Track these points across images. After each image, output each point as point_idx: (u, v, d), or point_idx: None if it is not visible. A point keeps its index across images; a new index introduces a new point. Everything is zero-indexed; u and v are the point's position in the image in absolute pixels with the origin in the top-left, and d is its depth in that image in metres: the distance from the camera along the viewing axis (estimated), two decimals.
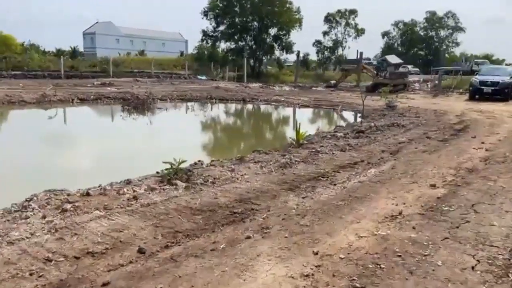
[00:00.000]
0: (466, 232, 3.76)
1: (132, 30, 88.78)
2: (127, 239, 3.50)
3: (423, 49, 71.36)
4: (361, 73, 33.33)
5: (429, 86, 31.30)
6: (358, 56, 34.39)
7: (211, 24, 48.42)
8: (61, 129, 14.13)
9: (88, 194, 4.65)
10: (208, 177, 5.63)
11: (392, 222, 4.01)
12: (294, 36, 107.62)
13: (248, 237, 3.63)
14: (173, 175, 5.80)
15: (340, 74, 36.64)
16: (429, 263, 3.14)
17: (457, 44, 69.56)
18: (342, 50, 57.74)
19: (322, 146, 8.58)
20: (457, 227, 3.87)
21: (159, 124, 15.55)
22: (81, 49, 72.66)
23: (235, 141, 11.93)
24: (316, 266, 3.07)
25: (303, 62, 60.44)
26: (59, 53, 57.43)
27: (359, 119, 16.86)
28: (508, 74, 21.77)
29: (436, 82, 29.34)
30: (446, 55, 66.16)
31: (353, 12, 56.74)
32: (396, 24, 72.62)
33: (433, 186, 5.37)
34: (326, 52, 58.46)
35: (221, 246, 3.44)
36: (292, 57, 53.30)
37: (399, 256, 3.26)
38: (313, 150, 8.07)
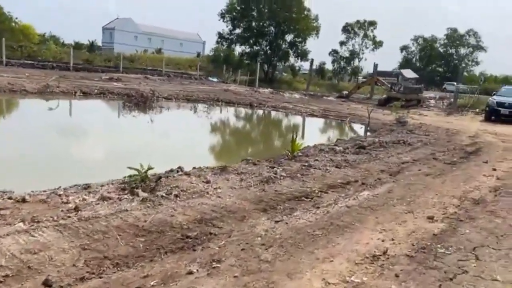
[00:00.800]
0: None
1: (151, 28, 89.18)
2: (39, 264, 2.86)
3: (442, 66, 69.95)
4: (375, 86, 32.49)
5: (444, 103, 30.28)
6: (373, 69, 33.55)
7: (227, 26, 48.02)
8: (52, 122, 13.63)
9: (24, 200, 4.02)
10: (174, 189, 4.97)
11: (372, 265, 3.28)
12: (311, 44, 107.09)
13: (190, 273, 2.96)
14: (140, 182, 5.17)
15: (353, 85, 35.82)
16: None
17: (477, 63, 68.00)
18: (359, 62, 56.85)
19: (316, 160, 7.87)
20: (452, 279, 3.12)
21: (156, 124, 14.97)
22: (99, 43, 73.19)
23: (228, 147, 11.29)
24: None
25: (319, 71, 59.72)
26: (77, 46, 57.83)
27: (367, 133, 16.10)
28: None
29: (451, 100, 28.32)
30: (465, 73, 64.62)
31: (372, 23, 55.82)
32: (415, 39, 71.38)
33: (430, 218, 4.62)
34: (342, 62, 57.62)
35: (151, 283, 2.76)
36: (307, 65, 52.51)
37: None
38: (306, 164, 7.37)
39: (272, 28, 47.94)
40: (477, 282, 3.08)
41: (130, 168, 5.19)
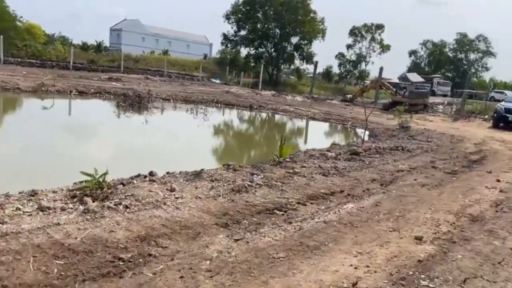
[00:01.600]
0: None
1: (158, 30, 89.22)
2: None
3: (451, 71, 68.90)
4: (381, 90, 31.73)
5: (453, 109, 29.42)
6: (379, 72, 32.79)
7: (232, 28, 47.67)
8: (35, 121, 13.14)
9: None
10: (128, 198, 4.39)
11: None
12: (317, 47, 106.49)
13: None
14: (96, 189, 4.61)
15: (358, 89, 35.11)
16: None
17: (487, 69, 66.91)
18: (365, 65, 56.13)
19: (303, 166, 7.26)
20: None
21: (146, 125, 14.48)
22: (107, 44, 73.24)
23: (216, 150, 10.72)
24: None
25: (326, 74, 59.13)
26: (84, 46, 57.84)
27: (366, 138, 15.44)
28: None
29: (459, 105, 27.53)
30: (475, 79, 63.46)
31: (379, 27, 55.15)
32: (424, 44, 70.57)
33: (419, 239, 3.98)
34: (348, 66, 56.95)
35: None
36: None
37: None
38: (291, 171, 6.76)
39: (278, 30, 47.49)
40: None
41: (83, 173, 4.63)
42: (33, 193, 4.50)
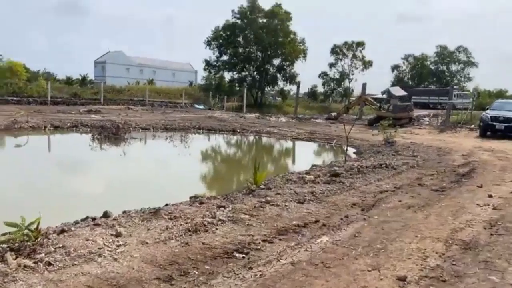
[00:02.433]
0: None
1: (143, 60, 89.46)
2: None
3: (434, 83, 69.58)
4: (365, 105, 31.51)
5: (439, 121, 29.20)
6: (362, 88, 32.67)
7: (214, 54, 47.60)
8: None
9: None
10: (58, 250, 3.69)
11: None
12: (300, 67, 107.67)
13: None
14: (25, 241, 3.91)
15: (342, 106, 34.88)
16: None
17: (469, 79, 67.73)
18: (349, 82, 56.28)
19: (278, 193, 6.62)
20: None
21: (120, 157, 13.79)
22: (92, 77, 72.96)
23: (190, 180, 10.03)
24: None
25: (311, 94, 59.18)
26: (69, 80, 57.37)
27: (352, 156, 14.90)
28: None
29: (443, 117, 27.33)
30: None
31: (360, 44, 55.57)
32: (406, 58, 71.51)
33: (402, 280, 3.33)
34: (332, 84, 57.10)
35: None
36: (300, 89, 51.79)
37: None
38: (263, 200, 6.12)
39: (259, 53, 47.53)
40: None
41: (7, 224, 3.93)
42: None
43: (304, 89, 59.01)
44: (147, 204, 6.23)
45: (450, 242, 4.35)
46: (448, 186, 7.55)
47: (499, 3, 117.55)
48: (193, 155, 14.52)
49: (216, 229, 4.58)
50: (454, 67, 69.07)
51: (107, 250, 3.75)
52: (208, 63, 48.37)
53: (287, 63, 47.94)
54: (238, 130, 22.80)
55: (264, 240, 4.28)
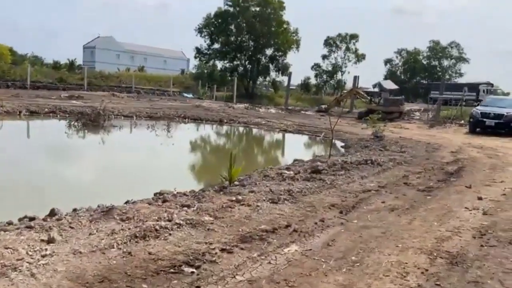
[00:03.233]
0: None
1: (133, 46, 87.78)
2: None
3: (426, 78, 69.36)
4: (356, 98, 31.03)
5: (429, 115, 28.82)
6: (353, 81, 32.16)
7: (205, 41, 46.68)
8: None
9: None
10: None
11: None
12: (293, 58, 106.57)
13: None
14: None
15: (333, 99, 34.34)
16: None
17: (461, 74, 67.61)
18: (342, 75, 55.67)
19: (252, 191, 6.04)
20: None
21: (94, 147, 13.13)
22: (80, 62, 71.49)
23: (160, 174, 9.39)
24: None
25: (304, 86, 58.54)
26: (56, 65, 56.03)
27: (340, 150, 14.39)
28: None
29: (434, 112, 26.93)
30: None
31: (354, 36, 54.85)
32: (399, 52, 71.04)
33: None
34: (324, 76, 56.44)
35: None
36: (293, 81, 51.12)
37: None
38: (234, 199, 5.55)
39: (251, 42, 46.75)
40: None
41: None
42: None
43: (297, 80, 58.30)
44: (110, 200, 5.64)
45: (435, 254, 3.81)
46: (435, 186, 7.04)
47: None
48: (172, 146, 13.85)
49: (170, 234, 3.99)
50: (446, 62, 68.90)
51: (27, 262, 3.14)
52: (199, 51, 47.50)
53: (280, 53, 47.28)
54: (225, 121, 22.16)
55: (222, 250, 3.70)
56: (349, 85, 51.39)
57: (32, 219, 4.42)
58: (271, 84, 51.90)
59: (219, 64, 48.60)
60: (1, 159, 9.61)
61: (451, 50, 67.75)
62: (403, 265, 3.53)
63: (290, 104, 38.79)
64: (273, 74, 49.43)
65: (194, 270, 3.26)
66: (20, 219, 4.41)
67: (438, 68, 68.63)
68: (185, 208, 5.12)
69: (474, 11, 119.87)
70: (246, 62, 47.45)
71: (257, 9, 44.82)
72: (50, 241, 3.64)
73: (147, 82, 45.50)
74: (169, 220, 4.34)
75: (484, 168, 9.35)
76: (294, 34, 46.83)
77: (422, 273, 3.37)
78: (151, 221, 4.30)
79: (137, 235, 3.84)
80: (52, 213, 4.93)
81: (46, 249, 3.43)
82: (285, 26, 45.74)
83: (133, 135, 17.06)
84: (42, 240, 3.64)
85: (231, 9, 44.95)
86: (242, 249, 3.78)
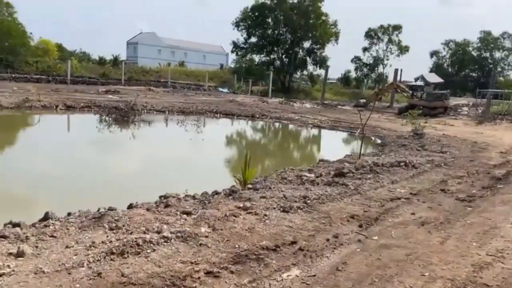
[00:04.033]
0: None
1: (174, 41, 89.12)
2: None
3: (476, 71, 65.39)
4: (396, 92, 29.51)
5: (478, 111, 26.84)
6: (394, 74, 30.59)
7: (242, 35, 46.25)
8: None
9: None
10: None
11: None
12: (332, 51, 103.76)
13: None
14: None
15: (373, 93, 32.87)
16: None
17: None
18: (383, 68, 53.54)
19: (263, 197, 5.46)
20: None
21: (120, 143, 13.01)
22: (124, 58, 73.64)
23: (178, 173, 8.96)
24: None
25: (344, 79, 56.95)
26: (101, 61, 57.97)
27: (376, 149, 13.46)
28: None
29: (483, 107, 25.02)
30: (501, 78, 59.82)
31: (397, 28, 52.51)
32: (446, 44, 67.27)
33: None
34: (365, 69, 54.52)
35: None
36: (333, 75, 49.85)
37: None
38: (241, 206, 5.01)
39: (289, 35, 45.81)
40: None
41: None
42: None
43: (337, 74, 56.77)
44: (121, 200, 5.44)
45: None
46: (478, 194, 6.14)
47: None
48: (198, 142, 13.47)
49: (154, 250, 3.49)
50: (497, 54, 64.50)
51: None
52: (236, 45, 47.17)
53: (318, 46, 46.03)
54: (257, 116, 21.65)
55: (208, 273, 3.15)
56: (390, 78, 49.38)
57: (16, 225, 4.08)
58: (308, 78, 50.80)
59: (256, 58, 48.14)
60: (15, 153, 9.59)
61: (503, 41, 63.33)
62: None
63: (328, 99, 37.68)
64: (310, 67, 48.35)
65: None
66: (5, 224, 4.08)
67: (489, 60, 64.38)
68: (185, 216, 4.63)
69: None
70: (283, 56, 46.57)
71: (295, 1, 43.78)
72: (19, 255, 3.26)
73: (186, 77, 45.97)
74: (158, 232, 3.85)
75: None
76: (333, 26, 45.39)
77: None
78: (137, 233, 3.83)
79: (114, 251, 3.37)
80: (46, 217, 4.61)
81: (8, 266, 3.03)
82: (323, 18, 44.37)
83: (162, 130, 16.89)
84: (10, 254, 3.26)
85: (268, 1, 44.16)
86: (231, 272, 3.21)
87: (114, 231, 3.98)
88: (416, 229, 4.48)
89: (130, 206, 5.30)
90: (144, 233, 3.84)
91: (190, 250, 3.59)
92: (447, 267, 3.47)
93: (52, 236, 3.78)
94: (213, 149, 13.24)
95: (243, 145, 15.19)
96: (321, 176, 6.76)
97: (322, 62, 46.13)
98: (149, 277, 3.04)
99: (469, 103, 33.41)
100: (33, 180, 7.45)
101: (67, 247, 3.51)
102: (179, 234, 3.84)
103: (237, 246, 3.75)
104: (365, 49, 53.61)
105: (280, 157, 13.12)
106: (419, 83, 33.08)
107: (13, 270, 2.97)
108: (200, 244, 3.72)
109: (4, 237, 3.62)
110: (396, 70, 29.33)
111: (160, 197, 5.70)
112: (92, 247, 3.50)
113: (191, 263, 3.31)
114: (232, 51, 48.09)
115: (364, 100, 30.05)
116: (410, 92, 25.95)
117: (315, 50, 46.25)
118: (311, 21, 43.83)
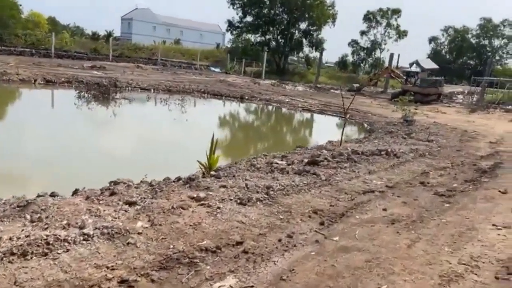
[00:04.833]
0: None
1: (170, 19, 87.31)
2: None
3: (473, 58, 64.54)
4: (391, 78, 28.84)
5: (473, 99, 26.29)
6: (389, 59, 29.86)
7: (237, 14, 44.98)
8: None
9: None
10: None
11: None
12: (329, 33, 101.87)
13: None
14: None
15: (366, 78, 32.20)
16: None
17: None
18: (380, 52, 52.54)
19: (224, 186, 4.94)
20: None
21: (94, 121, 12.38)
22: (118, 34, 72.14)
23: (148, 156, 8.40)
24: None
25: (342, 63, 55.96)
26: (94, 36, 56.53)
27: (360, 135, 12.97)
28: None
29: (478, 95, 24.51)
30: (499, 66, 59.08)
31: (396, 12, 51.33)
32: (445, 30, 66.09)
33: None
34: (362, 53, 53.54)
35: None
36: (330, 58, 48.84)
37: None
38: (195, 196, 4.48)
39: (285, 15, 44.58)
40: None
41: None
42: None
43: (334, 57, 55.73)
44: (69, 186, 4.89)
45: None
46: (459, 188, 5.65)
47: None
48: (179, 123, 12.87)
49: (67, 251, 2.97)
50: (497, 42, 63.56)
51: None
52: (231, 24, 45.91)
53: (314, 27, 44.88)
54: (247, 97, 21.01)
55: (122, 282, 2.64)
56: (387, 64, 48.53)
57: None
58: (304, 60, 49.87)
59: (252, 38, 47.02)
60: None
61: (503, 29, 62.30)
62: None
63: (323, 82, 36.98)
64: (306, 49, 47.29)
65: None
66: None
67: (488, 48, 63.50)
68: (126, 207, 4.11)
69: None
70: (278, 37, 45.46)
71: None
72: None
73: (181, 55, 44.95)
74: (80, 228, 3.32)
75: None
76: (330, 8, 44.21)
77: None
78: (54, 228, 3.29)
79: (15, 251, 2.84)
80: None
81: None
82: None
83: (143, 109, 16.22)
84: None
85: None
86: (152, 281, 2.70)
87: (34, 223, 3.45)
88: (384, 228, 3.98)
89: (75, 192, 4.78)
90: (64, 228, 3.30)
91: (113, 250, 3.07)
92: (410, 278, 2.98)
93: None
94: (192, 130, 12.63)
95: (227, 128, 14.59)
96: (292, 164, 6.23)
97: (318, 44, 45.15)
98: (47, 286, 2.52)
99: (464, 91, 32.84)
100: None
101: None
102: (105, 231, 3.32)
103: (171, 246, 3.23)
104: (363, 33, 52.46)
105: (260, 142, 12.56)
106: (414, 69, 32.37)
107: None
108: (128, 244, 3.20)
109: None
110: (391, 55, 28.63)
111: (110, 182, 5.16)
112: None
113: (107, 268, 2.79)
114: (227, 30, 46.91)
115: (358, 85, 29.39)
116: (404, 77, 25.30)
117: (311, 32, 45.16)
118: (308, 1, 42.61)
